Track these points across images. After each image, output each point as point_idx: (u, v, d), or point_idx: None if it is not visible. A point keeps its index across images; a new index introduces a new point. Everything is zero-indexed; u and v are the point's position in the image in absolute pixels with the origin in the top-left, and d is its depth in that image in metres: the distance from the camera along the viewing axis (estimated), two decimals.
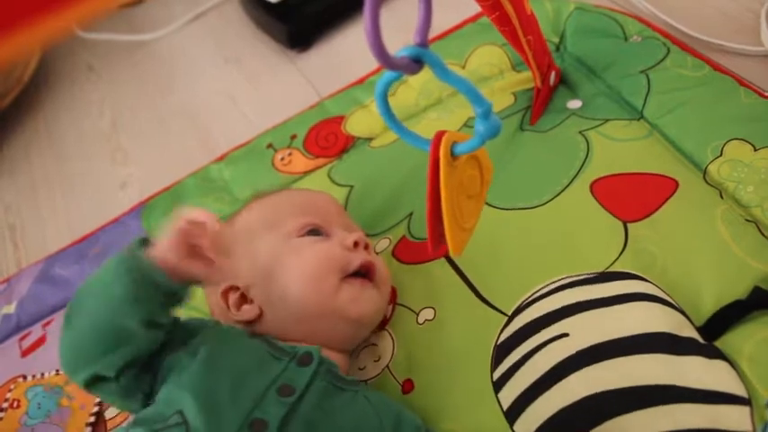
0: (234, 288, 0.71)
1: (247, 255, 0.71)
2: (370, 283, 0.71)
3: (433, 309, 0.74)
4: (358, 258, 0.70)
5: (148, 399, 0.61)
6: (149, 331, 0.59)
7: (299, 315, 0.68)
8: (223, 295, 0.71)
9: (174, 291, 0.59)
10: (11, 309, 0.94)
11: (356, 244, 0.71)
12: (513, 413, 0.64)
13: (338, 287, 0.68)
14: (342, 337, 0.70)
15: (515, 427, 0.63)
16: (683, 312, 0.66)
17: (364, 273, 0.70)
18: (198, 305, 0.82)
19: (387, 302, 0.74)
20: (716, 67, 0.86)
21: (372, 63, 1.05)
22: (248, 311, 0.70)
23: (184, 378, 0.59)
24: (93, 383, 0.61)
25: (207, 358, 0.61)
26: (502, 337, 0.69)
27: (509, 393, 0.65)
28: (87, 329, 0.59)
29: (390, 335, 0.74)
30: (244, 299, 0.71)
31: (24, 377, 0.84)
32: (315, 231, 0.72)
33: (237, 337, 0.66)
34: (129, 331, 0.58)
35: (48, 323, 0.91)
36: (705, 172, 0.76)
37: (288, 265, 0.69)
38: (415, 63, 0.46)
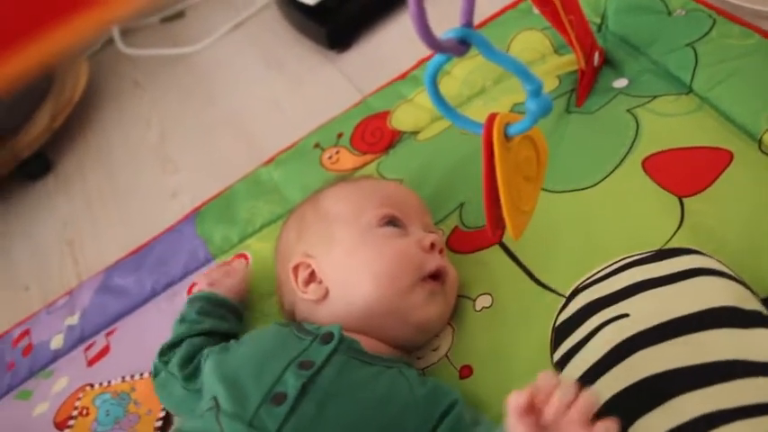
0: (305, 265, 0.73)
1: (325, 237, 0.74)
2: (440, 289, 0.71)
3: (490, 295, 0.74)
4: (433, 261, 0.70)
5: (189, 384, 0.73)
6: (182, 324, 0.78)
7: (366, 307, 0.69)
8: (293, 270, 0.74)
9: (197, 295, 0.81)
10: (74, 320, 0.96)
11: (433, 246, 0.71)
12: None
13: (411, 288, 0.69)
14: (401, 339, 0.71)
15: None
16: (745, 285, 0.64)
17: (437, 277, 0.71)
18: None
19: (451, 310, 0.74)
20: (765, 35, 0.84)
21: (412, 58, 1.07)
22: (314, 291, 0.72)
23: (218, 369, 0.65)
24: (155, 375, 0.77)
25: (236, 348, 0.69)
26: (560, 319, 0.68)
27: (571, 374, 0.64)
28: None
29: (450, 325, 0.74)
30: (313, 277, 0.73)
31: (92, 385, 0.86)
32: (393, 223, 0.73)
33: (268, 328, 0.72)
34: (173, 329, 0.79)
35: (110, 333, 0.93)
36: (760, 141, 0.74)
37: (365, 257, 0.70)
38: (462, 45, 0.46)
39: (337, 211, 0.75)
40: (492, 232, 0.55)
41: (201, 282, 0.85)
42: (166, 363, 0.76)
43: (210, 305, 0.79)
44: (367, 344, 0.67)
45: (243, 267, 0.85)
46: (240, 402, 0.59)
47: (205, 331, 0.77)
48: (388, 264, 0.69)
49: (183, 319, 0.79)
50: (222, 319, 0.79)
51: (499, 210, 0.52)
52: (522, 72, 0.47)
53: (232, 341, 0.74)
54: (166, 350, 0.77)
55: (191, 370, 0.73)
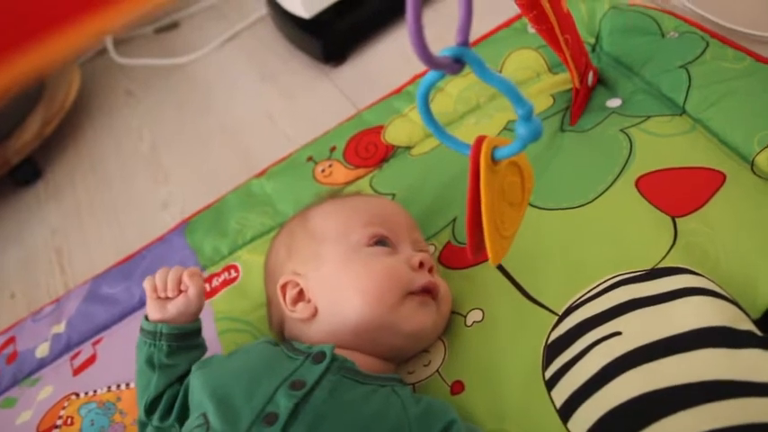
0: (293, 283, 0.73)
1: (314, 255, 0.73)
2: (432, 300, 0.71)
3: (482, 310, 0.73)
4: (422, 279, 0.70)
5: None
6: (154, 370, 0.71)
7: (356, 324, 0.68)
8: (282, 288, 0.73)
9: (155, 329, 0.71)
10: (60, 328, 0.96)
11: (421, 264, 0.71)
12: (566, 411, 0.63)
13: (400, 302, 0.68)
14: (393, 349, 0.71)
15: (569, 425, 0.62)
16: (738, 305, 0.64)
17: (427, 291, 0.71)
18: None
19: (445, 323, 0.74)
20: (758, 58, 0.84)
21: (407, 73, 1.07)
22: (303, 310, 0.71)
23: (207, 385, 0.64)
24: (142, 430, 0.73)
25: (224, 363, 0.68)
26: (552, 337, 0.68)
27: (562, 391, 0.64)
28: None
29: (441, 340, 0.74)
30: (301, 296, 0.72)
31: (77, 394, 0.85)
32: (382, 242, 0.73)
33: (257, 345, 0.71)
34: (143, 374, 0.72)
35: (97, 342, 0.92)
36: (753, 163, 0.75)
37: (353, 275, 0.70)
38: (456, 63, 0.46)
39: (326, 230, 0.75)
40: (473, 255, 0.54)
41: (151, 300, 0.73)
42: (151, 419, 0.72)
43: (177, 341, 0.72)
44: (360, 361, 0.66)
45: (193, 282, 0.73)
46: (231, 422, 0.59)
47: (182, 374, 0.72)
48: (375, 281, 0.69)
49: (151, 363, 0.71)
50: (194, 349, 0.74)
51: (481, 233, 0.52)
52: (514, 94, 0.46)
53: (217, 354, 0.73)
54: (152, 407, 0.71)
55: (178, 413, 0.70)
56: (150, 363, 0.71)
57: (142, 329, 0.73)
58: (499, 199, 0.52)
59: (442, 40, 0.47)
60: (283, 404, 0.59)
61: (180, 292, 0.73)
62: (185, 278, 0.73)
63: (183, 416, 0.70)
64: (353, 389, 0.63)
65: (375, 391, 0.63)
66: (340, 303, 0.69)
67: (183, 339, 0.73)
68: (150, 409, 0.71)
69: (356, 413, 0.60)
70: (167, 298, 0.73)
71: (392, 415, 0.61)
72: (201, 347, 0.75)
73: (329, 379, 0.62)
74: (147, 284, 0.74)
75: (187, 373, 0.71)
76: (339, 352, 0.66)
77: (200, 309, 0.75)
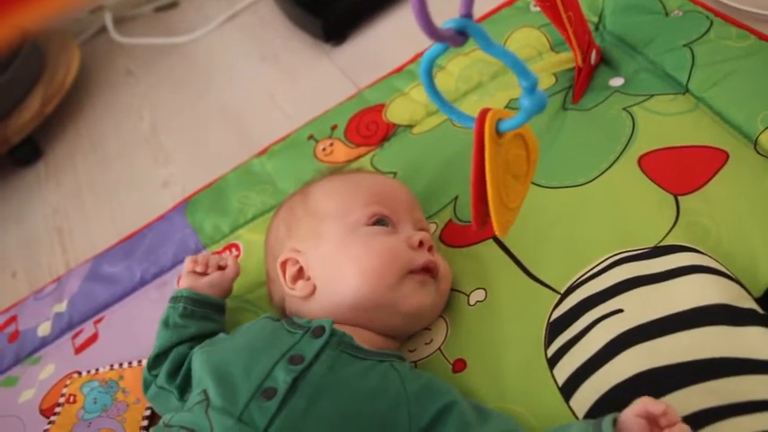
0: (293, 261, 0.73)
1: (314, 233, 0.73)
2: (431, 279, 0.71)
3: (484, 290, 0.73)
4: (421, 258, 0.70)
5: (183, 396, 0.72)
6: (167, 329, 0.75)
7: (355, 303, 0.68)
8: (282, 266, 0.73)
9: (178, 294, 0.77)
10: (62, 307, 0.96)
11: (421, 243, 0.71)
12: (568, 389, 0.63)
13: (400, 282, 0.68)
14: (393, 328, 0.71)
15: (571, 403, 0.62)
16: (740, 283, 0.65)
17: (427, 270, 0.71)
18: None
19: (445, 301, 0.74)
20: (762, 37, 0.84)
21: (408, 52, 1.07)
22: (302, 287, 0.71)
23: (207, 362, 0.64)
24: (146, 389, 0.75)
25: (226, 341, 0.69)
26: (555, 315, 0.68)
27: (564, 369, 0.64)
28: None
29: (444, 319, 0.74)
30: (301, 274, 0.72)
31: (79, 373, 0.85)
32: (382, 221, 0.72)
33: (259, 322, 0.71)
34: (158, 335, 0.76)
35: (99, 320, 0.92)
36: (756, 142, 0.74)
37: (353, 255, 0.70)
38: (460, 35, 0.46)
39: (326, 208, 0.75)
40: (477, 227, 0.54)
41: (186, 273, 0.80)
42: (155, 376, 0.74)
43: (194, 305, 0.76)
44: (359, 337, 0.66)
45: (233, 262, 0.82)
46: (230, 397, 0.59)
47: (191, 336, 0.74)
48: (375, 260, 0.69)
49: (166, 323, 0.76)
50: (207, 320, 0.77)
51: (486, 206, 0.52)
52: (519, 67, 0.46)
53: (221, 334, 0.73)
54: (154, 362, 0.74)
55: (181, 381, 0.71)
56: (166, 323, 0.76)
57: (169, 300, 0.78)
58: (504, 171, 0.52)
59: (445, 15, 0.46)
60: (281, 379, 0.59)
61: (219, 269, 0.81)
62: (230, 260, 0.82)
63: (185, 385, 0.71)
64: (352, 364, 0.63)
65: (373, 367, 0.63)
66: (338, 282, 0.69)
67: (201, 306, 0.76)
68: (153, 364, 0.74)
69: (354, 388, 0.60)
70: (205, 273, 0.80)
71: (390, 391, 0.61)
72: (217, 323, 0.78)
73: (328, 354, 0.62)
74: (188, 260, 0.81)
75: (198, 337, 0.73)
76: (339, 327, 0.66)
77: (229, 290, 0.82)
